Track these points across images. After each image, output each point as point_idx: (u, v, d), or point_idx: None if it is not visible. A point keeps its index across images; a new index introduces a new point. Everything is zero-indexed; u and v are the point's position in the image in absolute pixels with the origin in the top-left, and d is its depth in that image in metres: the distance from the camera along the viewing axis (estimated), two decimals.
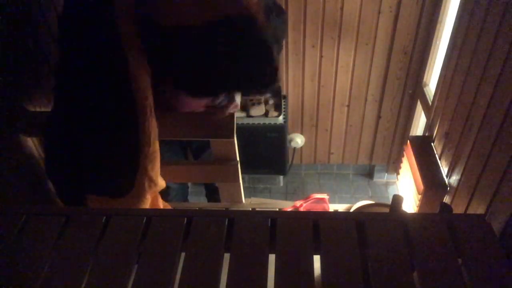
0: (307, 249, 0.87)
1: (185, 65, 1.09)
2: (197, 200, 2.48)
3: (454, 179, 1.42)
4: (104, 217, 0.95)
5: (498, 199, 1.09)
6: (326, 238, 0.89)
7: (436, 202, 1.48)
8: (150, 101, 1.08)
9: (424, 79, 2.04)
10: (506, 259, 0.84)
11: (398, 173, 1.96)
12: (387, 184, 2.63)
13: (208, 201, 2.18)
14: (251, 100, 2.16)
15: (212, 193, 2.09)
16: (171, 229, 0.92)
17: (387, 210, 1.52)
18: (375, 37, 2.01)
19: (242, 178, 1.56)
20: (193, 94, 1.23)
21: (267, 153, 2.27)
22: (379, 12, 1.93)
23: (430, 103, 1.86)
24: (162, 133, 1.39)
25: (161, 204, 1.30)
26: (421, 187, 1.49)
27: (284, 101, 2.19)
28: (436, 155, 1.61)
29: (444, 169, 1.53)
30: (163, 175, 1.59)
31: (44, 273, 0.85)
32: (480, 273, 0.82)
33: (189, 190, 2.57)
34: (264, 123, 2.13)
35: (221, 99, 1.29)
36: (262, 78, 1.13)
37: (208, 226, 0.93)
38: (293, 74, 2.17)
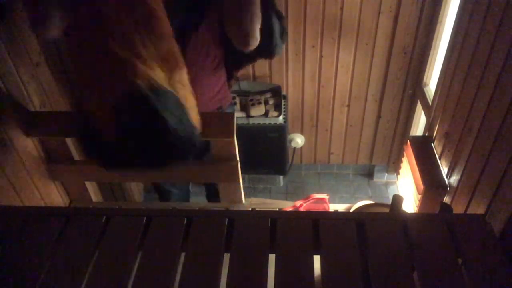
0: (307, 249, 0.87)
1: None
2: (197, 200, 2.47)
3: (454, 179, 1.42)
4: (104, 217, 0.95)
5: (498, 199, 1.09)
6: (326, 238, 0.89)
7: (436, 202, 1.48)
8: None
9: (424, 79, 2.04)
10: (506, 259, 0.84)
11: (398, 173, 1.96)
12: (387, 184, 2.63)
13: (208, 201, 2.18)
14: (251, 100, 2.16)
15: (212, 195, 2.08)
16: (171, 229, 0.92)
17: (387, 210, 1.52)
18: (375, 37, 2.01)
19: (242, 178, 1.56)
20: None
21: (267, 153, 2.27)
22: (379, 12, 1.93)
23: (430, 103, 1.86)
24: None
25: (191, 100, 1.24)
26: (421, 187, 1.49)
27: (284, 101, 2.19)
28: (436, 155, 1.61)
29: (444, 169, 1.53)
30: (165, 177, 1.59)
31: (44, 273, 0.85)
32: (480, 273, 0.82)
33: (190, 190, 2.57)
34: (264, 123, 2.13)
35: None
36: None
37: (208, 226, 0.93)
38: (293, 74, 2.17)
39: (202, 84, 1.43)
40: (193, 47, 1.36)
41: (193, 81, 1.40)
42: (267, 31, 1.34)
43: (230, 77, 1.57)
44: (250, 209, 1.64)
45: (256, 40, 1.27)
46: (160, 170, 1.37)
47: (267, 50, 1.41)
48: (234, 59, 1.48)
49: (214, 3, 1.28)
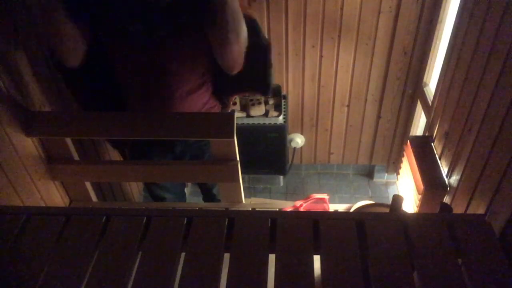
0: (307, 249, 0.87)
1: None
2: (197, 200, 2.47)
3: (454, 179, 1.42)
4: (104, 217, 0.95)
5: (498, 199, 1.09)
6: (326, 238, 0.89)
7: (436, 202, 1.48)
8: None
9: (424, 79, 2.04)
10: (506, 259, 0.84)
11: (398, 173, 1.96)
12: (387, 184, 2.63)
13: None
14: (251, 100, 2.16)
15: (208, 199, 2.07)
16: (171, 229, 0.92)
17: (387, 210, 1.52)
18: (375, 37, 2.01)
19: (242, 178, 1.56)
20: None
21: (267, 153, 2.27)
22: (379, 12, 1.93)
23: (430, 103, 1.86)
24: (163, 133, 1.39)
25: None
26: (421, 187, 1.49)
27: (284, 101, 2.19)
28: (436, 155, 1.61)
29: (444, 169, 1.53)
30: (164, 176, 1.59)
31: (44, 273, 0.85)
32: (480, 273, 0.82)
33: (189, 190, 2.57)
34: (264, 123, 2.13)
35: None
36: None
37: (208, 226, 0.93)
38: (293, 74, 2.17)
39: (189, 98, 1.43)
40: (180, 61, 1.37)
41: (181, 96, 1.40)
42: (260, 65, 1.40)
43: (223, 102, 1.57)
44: (250, 209, 1.64)
45: (239, 64, 1.31)
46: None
47: (260, 84, 1.48)
48: (224, 83, 1.49)
49: (201, 22, 1.28)
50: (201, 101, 1.48)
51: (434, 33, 1.89)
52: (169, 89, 1.38)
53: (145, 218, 0.94)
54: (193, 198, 2.51)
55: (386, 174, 2.62)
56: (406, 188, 1.74)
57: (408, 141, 1.71)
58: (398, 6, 1.90)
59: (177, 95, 1.40)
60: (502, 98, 1.10)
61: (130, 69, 1.38)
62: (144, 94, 1.43)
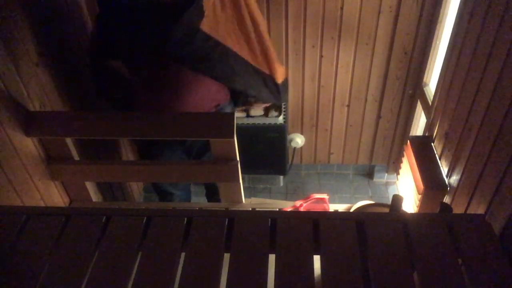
0: (307, 249, 0.87)
1: None
2: (197, 200, 2.47)
3: (454, 179, 1.42)
4: (104, 217, 0.95)
5: (498, 199, 1.09)
6: (326, 238, 0.89)
7: (436, 202, 1.48)
8: None
9: (424, 79, 2.04)
10: (506, 259, 0.84)
11: (398, 173, 1.96)
12: (387, 184, 2.63)
13: (208, 201, 2.18)
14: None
15: (212, 194, 2.08)
16: (171, 229, 0.92)
17: (387, 210, 1.52)
18: (375, 37, 2.01)
19: (242, 178, 1.56)
20: None
21: (267, 153, 2.27)
22: (379, 12, 1.93)
23: (430, 103, 1.86)
24: (163, 133, 1.39)
25: None
26: (421, 187, 1.49)
27: None
28: (436, 155, 1.61)
29: (444, 169, 1.53)
30: (164, 176, 1.60)
31: (44, 273, 0.85)
32: (480, 273, 0.82)
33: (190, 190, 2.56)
34: (264, 123, 2.13)
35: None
36: None
37: (208, 226, 0.93)
38: (293, 74, 2.17)
39: (200, 84, 1.46)
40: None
41: (191, 82, 1.42)
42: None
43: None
44: (250, 209, 1.64)
45: None
46: None
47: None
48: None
49: None
50: (211, 88, 1.54)
51: (434, 33, 1.89)
52: (178, 92, 1.47)
53: (145, 218, 0.94)
54: (193, 198, 2.51)
55: (386, 174, 2.62)
56: (406, 188, 1.74)
57: (408, 141, 1.71)
58: (398, 6, 1.90)
59: (185, 102, 1.49)
60: (502, 98, 1.10)
61: (144, 77, 1.48)
62: (154, 91, 1.51)
